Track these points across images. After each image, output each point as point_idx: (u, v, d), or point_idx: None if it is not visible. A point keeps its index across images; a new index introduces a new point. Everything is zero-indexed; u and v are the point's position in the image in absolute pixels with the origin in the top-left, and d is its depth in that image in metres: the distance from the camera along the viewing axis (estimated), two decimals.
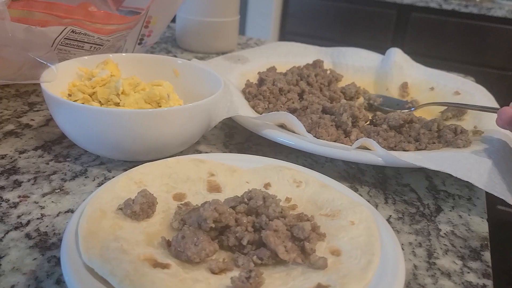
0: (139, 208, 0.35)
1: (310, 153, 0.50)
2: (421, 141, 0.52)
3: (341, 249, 0.34)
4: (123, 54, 0.58)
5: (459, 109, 0.64)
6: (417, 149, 0.52)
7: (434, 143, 0.53)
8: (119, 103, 0.49)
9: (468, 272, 0.38)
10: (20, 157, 0.48)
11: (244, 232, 0.34)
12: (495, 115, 0.60)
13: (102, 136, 0.44)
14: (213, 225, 0.33)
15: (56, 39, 0.54)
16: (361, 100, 0.70)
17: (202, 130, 0.50)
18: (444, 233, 0.43)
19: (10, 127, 0.54)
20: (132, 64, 0.58)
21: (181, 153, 0.52)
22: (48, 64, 0.46)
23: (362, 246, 0.34)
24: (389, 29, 2.03)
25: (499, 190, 0.44)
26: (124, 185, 0.39)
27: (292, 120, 0.49)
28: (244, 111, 0.54)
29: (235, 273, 0.32)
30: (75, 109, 0.44)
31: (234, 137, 0.58)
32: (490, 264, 0.39)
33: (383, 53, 0.83)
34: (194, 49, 0.94)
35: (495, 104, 0.66)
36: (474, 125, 0.60)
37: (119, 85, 0.48)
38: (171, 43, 0.99)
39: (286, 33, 2.29)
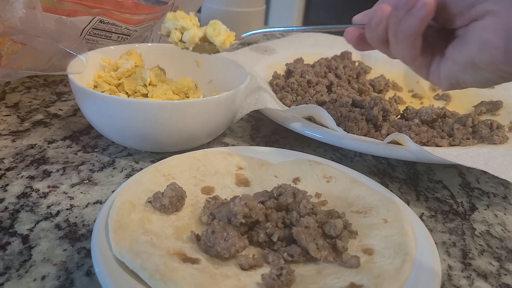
0: (168, 201, 0.35)
1: (339, 147, 0.49)
2: (455, 137, 0.51)
3: (373, 247, 0.33)
4: (148, 44, 0.58)
5: (494, 104, 0.62)
6: (451, 144, 0.50)
7: (468, 138, 0.51)
8: (147, 94, 0.49)
9: (505, 274, 0.36)
10: (49, 147, 0.48)
11: (275, 228, 0.33)
12: None
13: (129, 127, 0.44)
14: (243, 221, 0.32)
15: (84, 29, 0.54)
16: (390, 93, 0.69)
17: (228, 121, 0.49)
18: (479, 233, 0.41)
19: (39, 116, 0.55)
20: (155, 54, 0.58)
21: (208, 144, 0.51)
22: (78, 55, 0.46)
23: (395, 245, 0.33)
24: None
25: None
26: (153, 178, 0.38)
27: (321, 113, 0.48)
28: (272, 103, 0.53)
29: (265, 269, 0.31)
30: (103, 100, 0.43)
31: (261, 129, 0.57)
32: None
33: None
34: None
35: None
36: (510, 120, 0.58)
37: (147, 76, 0.48)
38: None
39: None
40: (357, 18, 0.44)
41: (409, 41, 0.37)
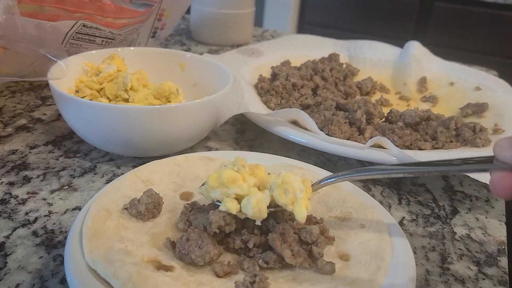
0: (145, 208, 0.34)
1: (323, 151, 0.49)
2: (438, 140, 0.51)
3: (350, 253, 0.33)
4: (131, 48, 0.57)
5: (480, 106, 0.62)
6: (434, 148, 0.51)
7: (451, 141, 0.51)
8: (128, 99, 0.49)
9: (483, 279, 0.36)
10: (30, 153, 0.48)
11: (250, 235, 0.33)
12: None
13: (110, 132, 0.44)
14: (217, 231, 0.32)
15: (67, 33, 0.54)
16: (377, 95, 0.69)
17: (210, 125, 0.49)
18: (460, 237, 0.41)
19: (22, 121, 0.54)
20: (139, 58, 0.57)
21: (191, 148, 0.51)
22: (57, 60, 0.46)
23: (372, 251, 0.33)
24: (411, 19, 1.98)
25: None
26: (131, 184, 0.38)
27: (303, 117, 0.48)
28: (255, 107, 0.53)
29: (240, 276, 0.31)
30: (83, 106, 0.43)
31: (246, 133, 0.57)
32: (507, 270, 0.38)
33: (404, 43, 0.80)
34: (208, 41, 0.93)
35: None
36: (495, 122, 0.58)
37: (128, 80, 0.48)
38: (186, 35, 0.98)
39: (305, 24, 2.25)
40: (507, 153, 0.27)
41: None
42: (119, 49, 0.55)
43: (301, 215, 0.31)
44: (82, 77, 0.51)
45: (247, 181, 0.33)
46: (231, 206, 0.32)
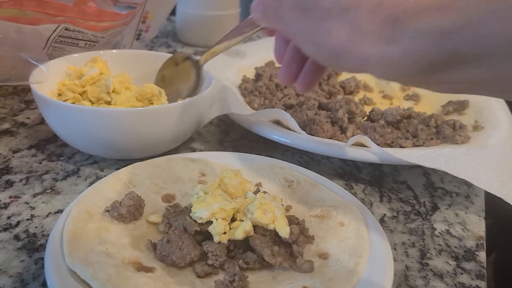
0: (126, 210, 0.35)
1: (306, 150, 0.49)
2: (419, 137, 0.51)
3: (329, 252, 0.34)
4: (113, 51, 0.57)
5: (461, 103, 0.63)
6: (415, 145, 0.51)
7: (432, 139, 0.52)
8: (110, 101, 0.49)
9: (462, 273, 0.37)
10: (13, 157, 0.48)
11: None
12: (496, 110, 0.59)
13: (93, 135, 0.44)
14: (198, 229, 0.33)
15: (50, 37, 0.54)
16: (361, 94, 0.69)
17: (194, 126, 0.50)
18: (439, 233, 0.42)
19: (6, 125, 0.54)
20: (121, 60, 0.57)
21: (176, 150, 0.52)
22: (38, 64, 0.46)
23: (350, 249, 0.34)
24: None
25: (497, 188, 0.43)
26: (113, 186, 0.38)
27: (286, 117, 0.49)
28: (238, 108, 0.53)
29: (221, 276, 0.31)
30: (65, 109, 0.43)
31: (230, 134, 0.58)
32: (484, 264, 0.38)
33: None
34: (194, 43, 0.93)
35: None
36: (475, 119, 0.58)
37: (110, 83, 0.48)
38: (172, 37, 0.99)
39: None
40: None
41: None
42: (102, 52, 0.55)
43: (284, 232, 0.33)
44: (64, 80, 0.51)
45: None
46: (222, 238, 0.32)
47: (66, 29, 0.54)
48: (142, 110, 0.44)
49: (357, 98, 0.67)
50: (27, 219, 0.39)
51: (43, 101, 0.45)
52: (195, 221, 0.33)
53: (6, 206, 0.40)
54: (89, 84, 0.50)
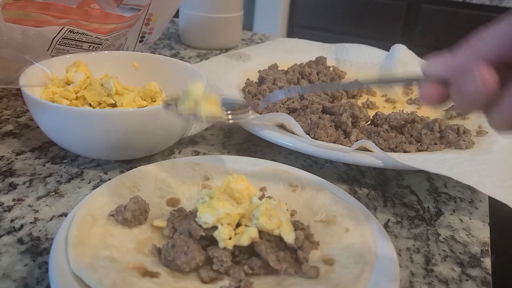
0: (131, 215, 0.35)
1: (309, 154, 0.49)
2: (423, 142, 0.51)
3: (334, 257, 0.34)
4: (92, 53, 0.57)
5: None
6: (419, 150, 0.51)
7: (436, 144, 0.51)
8: (114, 103, 0.49)
9: (467, 280, 0.37)
10: (17, 159, 0.48)
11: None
12: None
13: (96, 139, 0.44)
14: (203, 234, 0.33)
15: (54, 39, 0.54)
16: (364, 98, 0.69)
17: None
18: (444, 238, 0.42)
19: (9, 127, 0.54)
20: (100, 62, 0.57)
21: (179, 153, 0.51)
22: (44, 68, 0.46)
23: (355, 255, 0.33)
24: (399, 21, 2.00)
25: (501, 194, 0.43)
26: (117, 190, 0.38)
27: (289, 121, 0.48)
28: None
29: (226, 282, 0.31)
30: (81, 115, 0.43)
31: (233, 137, 0.58)
32: (490, 271, 0.38)
33: (392, 45, 0.81)
34: (197, 45, 0.93)
35: None
36: (479, 124, 0.58)
37: (111, 85, 0.48)
38: (175, 39, 0.99)
39: (294, 26, 2.26)
40: (436, 67, 0.30)
41: None
42: (81, 56, 0.55)
43: (290, 237, 0.33)
44: (52, 88, 0.50)
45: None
46: (227, 243, 0.32)
47: (70, 31, 0.54)
48: (154, 109, 0.44)
49: (360, 102, 0.67)
50: (31, 223, 0.39)
51: (37, 105, 0.44)
52: (200, 226, 0.33)
53: (9, 209, 0.40)
54: (82, 89, 0.49)
